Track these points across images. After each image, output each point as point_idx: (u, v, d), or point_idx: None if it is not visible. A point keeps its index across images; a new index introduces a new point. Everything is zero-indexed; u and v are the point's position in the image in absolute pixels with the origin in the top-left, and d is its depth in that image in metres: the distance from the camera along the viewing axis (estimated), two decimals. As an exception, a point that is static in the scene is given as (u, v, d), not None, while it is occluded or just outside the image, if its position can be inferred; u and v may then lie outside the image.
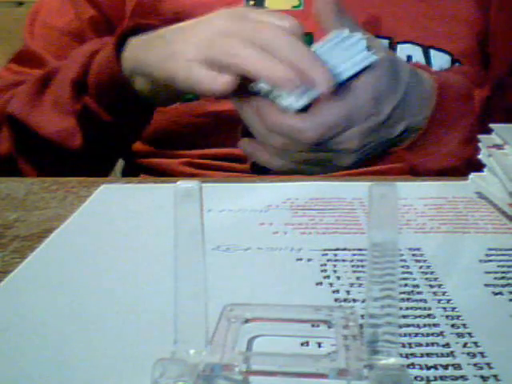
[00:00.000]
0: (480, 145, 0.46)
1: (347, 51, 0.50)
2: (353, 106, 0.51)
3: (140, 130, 0.63)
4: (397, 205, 0.22)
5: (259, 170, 0.63)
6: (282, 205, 0.45)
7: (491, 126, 0.46)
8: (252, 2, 0.65)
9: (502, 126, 0.46)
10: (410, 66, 0.56)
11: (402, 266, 0.34)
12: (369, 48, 0.51)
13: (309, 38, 0.64)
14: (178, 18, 0.66)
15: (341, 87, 0.50)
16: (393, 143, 0.55)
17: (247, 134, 0.55)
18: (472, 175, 0.48)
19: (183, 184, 0.23)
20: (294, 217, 0.43)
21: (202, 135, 0.67)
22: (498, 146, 0.45)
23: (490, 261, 0.35)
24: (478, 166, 0.47)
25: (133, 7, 0.68)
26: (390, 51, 0.57)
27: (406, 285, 0.32)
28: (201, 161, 0.66)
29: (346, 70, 0.50)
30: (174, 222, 0.23)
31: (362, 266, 0.34)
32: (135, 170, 0.70)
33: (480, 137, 0.46)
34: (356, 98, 0.51)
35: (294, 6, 0.65)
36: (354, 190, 0.48)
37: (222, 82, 0.50)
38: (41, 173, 0.61)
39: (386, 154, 0.57)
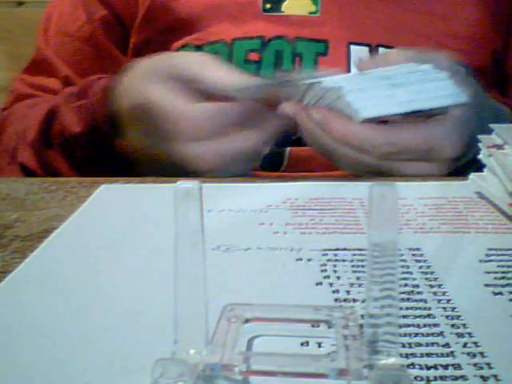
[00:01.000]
0: (480, 145, 0.46)
1: (431, 83, 0.49)
2: (436, 137, 0.50)
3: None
4: (397, 205, 0.22)
5: (268, 167, 0.63)
6: (282, 205, 0.45)
7: (491, 126, 0.46)
8: (269, 6, 0.65)
9: (502, 126, 0.46)
10: (491, 101, 0.56)
11: (402, 266, 0.34)
12: (457, 86, 0.49)
13: (324, 46, 0.64)
14: (190, 18, 0.66)
15: (421, 114, 0.49)
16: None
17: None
18: (472, 175, 0.48)
19: (183, 184, 0.23)
20: (294, 217, 0.43)
21: None
22: (498, 146, 0.45)
23: (490, 261, 0.35)
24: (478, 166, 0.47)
25: (147, 7, 0.68)
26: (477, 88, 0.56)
27: (406, 285, 0.32)
28: None
29: (429, 100, 0.48)
30: (174, 222, 0.23)
31: (362, 266, 0.34)
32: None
33: (480, 137, 0.46)
34: (444, 130, 0.50)
35: (311, 13, 0.65)
36: (354, 190, 0.48)
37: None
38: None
39: None
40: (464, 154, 0.51)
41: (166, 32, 0.67)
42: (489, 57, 0.68)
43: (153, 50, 0.67)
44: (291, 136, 0.59)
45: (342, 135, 0.49)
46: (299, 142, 0.63)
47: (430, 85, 0.49)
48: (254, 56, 0.64)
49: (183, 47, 0.65)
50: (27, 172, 0.62)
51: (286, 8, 0.65)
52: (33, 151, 0.61)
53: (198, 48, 0.65)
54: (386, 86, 0.48)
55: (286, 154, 0.63)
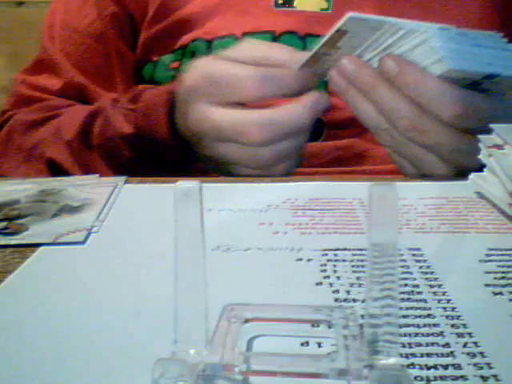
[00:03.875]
0: (480, 145, 0.46)
1: (506, 52, 0.47)
2: (498, 111, 0.48)
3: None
4: (397, 205, 0.22)
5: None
6: (282, 205, 0.45)
7: (491, 126, 0.46)
8: (281, 1, 0.65)
9: (502, 126, 0.46)
10: None
11: (402, 266, 0.34)
12: None
13: None
14: (201, 12, 0.65)
15: (489, 80, 0.46)
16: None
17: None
18: (472, 175, 0.47)
19: (183, 184, 0.23)
20: (294, 217, 0.43)
21: None
22: (498, 146, 0.45)
23: (490, 261, 0.35)
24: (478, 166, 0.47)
25: (157, 3, 0.67)
26: None
27: (406, 285, 0.32)
28: None
29: (508, 68, 0.46)
30: (174, 222, 0.23)
31: (362, 266, 0.34)
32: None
33: (480, 137, 0.46)
34: (503, 107, 0.48)
35: (323, 9, 0.65)
36: (354, 190, 0.48)
37: None
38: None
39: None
40: None
41: (176, 27, 0.66)
42: None
43: (162, 45, 0.67)
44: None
45: (415, 86, 0.45)
46: (309, 138, 0.63)
47: (504, 53, 0.46)
48: None
49: (193, 41, 0.65)
50: (54, 169, 0.62)
51: (299, 3, 0.65)
52: (69, 150, 0.61)
53: (208, 42, 0.64)
54: (468, 43, 0.45)
55: None
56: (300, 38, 0.63)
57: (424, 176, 0.51)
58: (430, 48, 0.44)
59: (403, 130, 0.47)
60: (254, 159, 0.52)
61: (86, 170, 0.60)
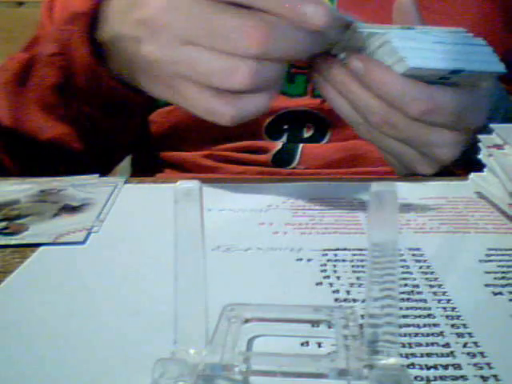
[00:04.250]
0: (480, 145, 0.46)
1: (471, 47, 0.47)
2: (469, 104, 0.48)
3: (140, 126, 0.62)
4: (397, 205, 0.22)
5: (280, 163, 0.63)
6: (282, 205, 0.45)
7: (491, 125, 0.46)
8: None
9: (502, 126, 0.46)
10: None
11: (402, 266, 0.34)
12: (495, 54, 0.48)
13: None
14: None
15: (456, 75, 0.47)
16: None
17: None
18: (472, 175, 0.48)
19: (183, 184, 0.23)
20: (294, 217, 0.43)
21: (225, 131, 0.65)
22: (498, 146, 0.45)
23: (490, 261, 0.35)
24: (478, 166, 0.47)
25: None
26: None
27: (406, 285, 0.32)
28: (222, 153, 0.64)
29: (470, 62, 0.46)
30: (174, 222, 0.23)
31: (362, 266, 0.34)
32: (158, 165, 0.69)
33: (480, 137, 0.46)
34: (475, 99, 0.48)
35: None
36: (353, 190, 0.48)
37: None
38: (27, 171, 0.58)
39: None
40: (485, 126, 0.49)
41: None
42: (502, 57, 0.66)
43: None
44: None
45: (380, 84, 0.46)
46: (311, 139, 0.63)
47: (470, 48, 0.47)
48: None
49: None
50: None
51: None
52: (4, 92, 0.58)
53: None
54: (429, 41, 0.46)
55: (297, 151, 0.63)
56: None
57: (417, 175, 0.51)
58: (391, 48, 0.45)
59: (375, 125, 0.48)
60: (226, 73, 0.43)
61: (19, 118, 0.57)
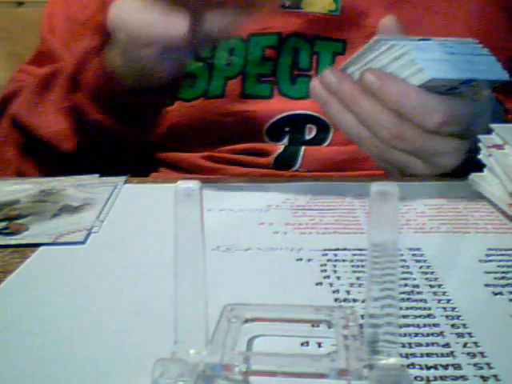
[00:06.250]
0: (480, 145, 0.46)
1: (479, 56, 0.48)
2: (477, 113, 0.49)
3: (140, 130, 0.63)
4: (397, 205, 0.22)
5: (282, 165, 0.62)
6: (282, 205, 0.45)
7: (491, 126, 0.46)
8: (288, 3, 0.65)
9: (502, 126, 0.46)
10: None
11: (402, 266, 0.34)
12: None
13: (342, 45, 0.63)
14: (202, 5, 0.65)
15: (466, 85, 0.47)
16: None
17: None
18: (472, 175, 0.48)
19: (183, 184, 0.23)
20: (294, 217, 0.43)
21: (225, 133, 0.65)
22: (498, 146, 0.45)
23: (490, 261, 0.35)
24: (479, 166, 0.47)
25: None
26: None
27: (406, 285, 0.32)
28: (222, 155, 0.64)
29: (481, 71, 0.47)
30: (174, 222, 0.23)
31: (362, 266, 0.34)
32: (153, 164, 0.69)
33: (480, 137, 0.46)
34: (481, 107, 0.49)
35: (331, 11, 0.64)
36: (354, 190, 0.48)
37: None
38: (44, 173, 0.60)
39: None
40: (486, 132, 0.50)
41: None
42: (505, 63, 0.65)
43: None
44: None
45: (397, 97, 0.46)
46: (313, 141, 0.63)
47: (478, 58, 0.48)
48: (270, 52, 0.63)
49: None
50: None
51: (306, 5, 0.65)
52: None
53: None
54: (444, 52, 0.47)
55: (299, 153, 0.63)
56: (307, 40, 0.63)
57: (411, 176, 0.51)
58: (409, 60, 0.46)
59: (385, 140, 0.48)
60: None
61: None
